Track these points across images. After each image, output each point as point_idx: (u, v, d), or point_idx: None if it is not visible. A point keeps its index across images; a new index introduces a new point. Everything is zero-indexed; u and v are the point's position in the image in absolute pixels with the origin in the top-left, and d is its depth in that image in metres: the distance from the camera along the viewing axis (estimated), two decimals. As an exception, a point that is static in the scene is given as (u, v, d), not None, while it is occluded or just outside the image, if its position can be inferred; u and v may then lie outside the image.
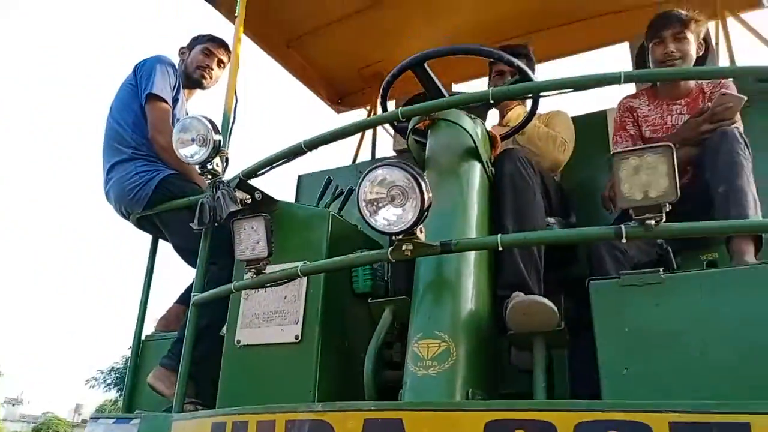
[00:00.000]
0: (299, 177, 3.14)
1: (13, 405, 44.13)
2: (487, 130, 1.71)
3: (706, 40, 2.42)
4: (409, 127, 1.80)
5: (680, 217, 1.29)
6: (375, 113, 3.27)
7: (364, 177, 1.28)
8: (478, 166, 1.59)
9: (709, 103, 1.94)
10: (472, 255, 1.49)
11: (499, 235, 1.27)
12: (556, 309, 1.32)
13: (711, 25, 2.58)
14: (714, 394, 1.13)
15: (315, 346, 1.68)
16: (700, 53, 2.13)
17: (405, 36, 2.98)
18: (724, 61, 2.57)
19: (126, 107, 2.25)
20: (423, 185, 1.22)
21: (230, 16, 2.48)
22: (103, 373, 25.24)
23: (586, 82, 1.43)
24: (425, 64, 1.74)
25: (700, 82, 2.12)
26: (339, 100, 3.35)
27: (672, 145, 1.14)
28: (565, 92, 1.46)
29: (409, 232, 1.27)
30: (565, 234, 1.62)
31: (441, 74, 1.83)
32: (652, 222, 1.16)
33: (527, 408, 1.13)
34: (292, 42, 2.91)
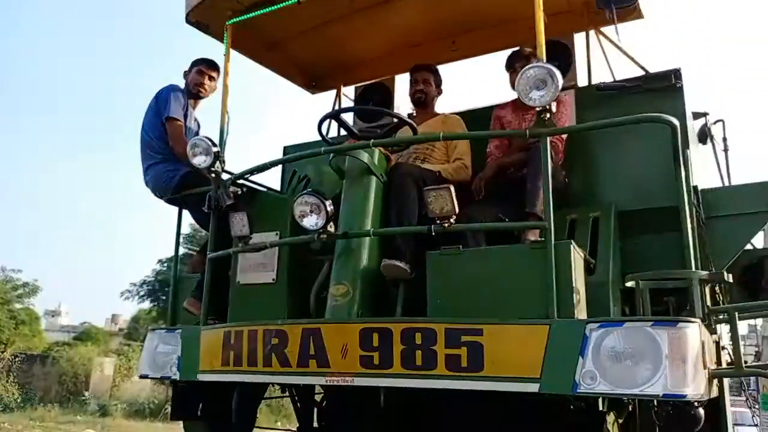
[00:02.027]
0: (284, 148, 4.10)
1: (53, 316, 46.83)
2: (385, 153, 2.66)
3: (567, 54, 3.30)
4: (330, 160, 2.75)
5: (516, 199, 2.30)
6: (340, 96, 4.18)
7: (297, 199, 2.30)
8: (373, 179, 2.55)
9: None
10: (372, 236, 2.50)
11: (371, 230, 2.30)
12: (407, 268, 2.35)
13: (580, 36, 3.41)
14: (476, 313, 2.16)
15: (285, 285, 2.74)
16: None
17: (363, 35, 3.80)
18: (582, 69, 3.38)
19: (153, 125, 3.25)
20: (326, 204, 2.23)
21: (219, 37, 3.33)
22: (135, 285, 27.09)
23: (434, 138, 2.39)
24: (340, 116, 2.72)
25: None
26: (313, 84, 4.24)
27: (450, 187, 2.12)
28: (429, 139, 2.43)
29: (324, 228, 2.29)
30: (399, 230, 2.53)
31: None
32: (446, 224, 2.16)
33: (379, 321, 2.19)
34: (272, 46, 3.76)
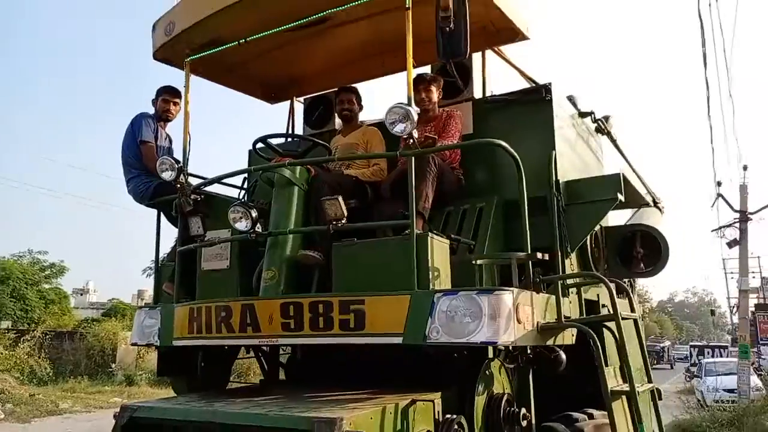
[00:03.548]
0: (249, 152, 4.84)
1: (81, 294, 48.60)
2: (307, 169, 3.40)
3: (466, 70, 3.99)
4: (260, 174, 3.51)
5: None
6: (293, 106, 4.90)
7: (230, 208, 3.07)
8: (295, 188, 3.28)
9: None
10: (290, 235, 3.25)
11: (287, 229, 3.07)
12: (318, 256, 3.11)
13: (477, 56, 4.08)
14: (365, 288, 2.91)
15: (236, 270, 3.52)
16: (440, 97, 3.72)
17: (308, 56, 4.48)
18: (479, 84, 4.05)
19: (130, 147, 4.05)
20: (251, 212, 3.00)
21: (180, 66, 4.03)
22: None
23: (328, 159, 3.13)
24: (266, 140, 3.48)
25: (442, 109, 3.74)
26: (272, 95, 4.95)
27: (339, 198, 2.86)
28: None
29: (252, 229, 3.07)
30: (305, 230, 3.28)
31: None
32: (338, 224, 2.91)
33: (293, 297, 2.97)
34: (232, 69, 4.46)
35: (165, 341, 3.57)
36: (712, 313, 44.73)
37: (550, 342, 3.07)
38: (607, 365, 3.18)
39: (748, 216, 13.62)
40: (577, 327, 3.00)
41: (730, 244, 14.02)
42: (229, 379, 4.19)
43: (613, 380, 2.94)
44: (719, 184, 14.14)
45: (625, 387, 2.99)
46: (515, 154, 3.02)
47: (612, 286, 3.15)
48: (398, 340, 2.74)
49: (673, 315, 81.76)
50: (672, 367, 36.19)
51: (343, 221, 2.95)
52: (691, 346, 34.21)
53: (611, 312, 3.28)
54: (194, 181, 3.86)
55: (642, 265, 3.96)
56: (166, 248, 4.20)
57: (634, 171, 5.17)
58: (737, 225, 13.70)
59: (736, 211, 13.74)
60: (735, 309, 14.70)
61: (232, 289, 3.48)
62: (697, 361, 22.22)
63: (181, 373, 3.86)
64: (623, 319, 3.22)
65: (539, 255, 2.92)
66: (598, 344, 2.89)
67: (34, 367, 16.30)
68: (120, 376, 17.83)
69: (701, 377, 18.39)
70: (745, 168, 14.01)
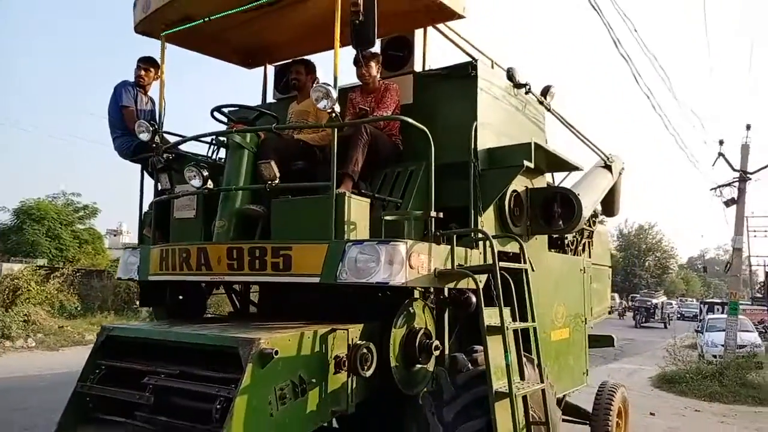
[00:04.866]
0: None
1: (114, 235, 50.46)
2: (257, 134, 3.96)
3: (409, 46, 4.46)
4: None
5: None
6: (266, 71, 5.40)
7: (186, 168, 3.67)
8: (245, 151, 3.85)
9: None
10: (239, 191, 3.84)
11: (232, 187, 3.67)
12: (260, 209, 3.71)
13: (419, 32, 4.53)
14: (296, 237, 3.52)
15: (200, 219, 4.14)
16: (379, 71, 4.21)
17: (279, 26, 4.95)
18: (419, 58, 4.50)
19: (114, 111, 4.68)
20: (202, 171, 3.61)
21: (158, 38, 4.56)
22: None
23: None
24: (221, 109, 4.06)
25: (381, 82, 4.24)
26: (249, 62, 5.47)
27: (271, 162, 3.44)
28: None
29: (204, 186, 3.68)
30: (246, 187, 3.87)
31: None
32: (272, 184, 3.50)
33: (236, 243, 3.59)
34: (210, 39, 4.96)
35: (142, 276, 4.25)
36: (704, 270, 43.85)
37: (451, 285, 3.66)
38: (506, 306, 3.70)
39: (747, 176, 13.77)
40: (467, 273, 3.56)
41: (728, 203, 14.24)
42: (204, 311, 4.89)
43: (496, 318, 3.46)
44: (721, 142, 14.27)
45: (497, 323, 3.49)
46: (422, 127, 3.56)
47: (495, 242, 3.63)
48: (316, 279, 3.36)
49: (701, 273, 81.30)
50: (666, 327, 33.25)
51: (276, 182, 3.53)
52: (701, 303, 33.27)
53: (522, 262, 3.88)
54: (173, 140, 4.48)
55: (561, 222, 4.46)
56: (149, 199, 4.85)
57: (580, 137, 5.63)
58: (736, 184, 13.89)
59: (735, 170, 13.90)
60: (727, 267, 15.00)
61: (198, 234, 4.11)
62: (704, 318, 22.54)
63: (160, 304, 4.56)
64: (510, 269, 3.75)
65: (433, 213, 3.48)
66: (479, 288, 3.45)
67: (64, 302, 17.54)
68: (144, 313, 19.02)
69: (703, 332, 18.83)
70: (748, 127, 14.08)
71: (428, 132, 3.59)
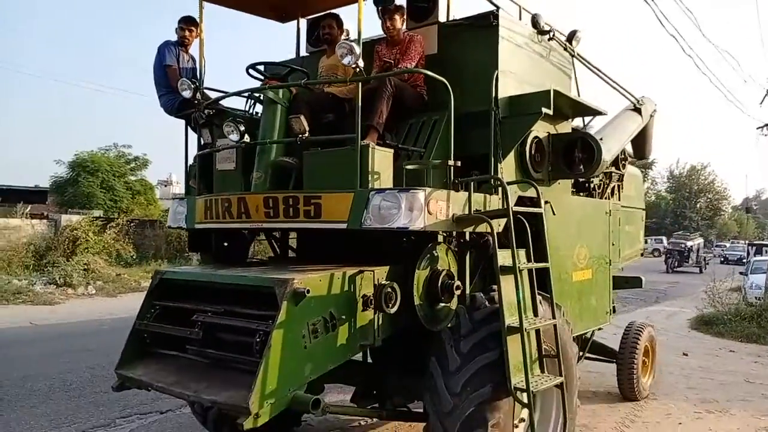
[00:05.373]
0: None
1: (165, 186, 51.99)
2: (289, 89, 4.20)
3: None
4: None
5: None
6: (299, 25, 5.58)
7: (225, 123, 3.97)
8: (279, 106, 4.09)
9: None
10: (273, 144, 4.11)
11: (267, 140, 3.95)
12: (292, 161, 3.98)
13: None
14: (325, 186, 3.79)
15: (240, 171, 4.45)
16: (404, 25, 4.36)
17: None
18: (443, 9, 4.61)
19: (158, 69, 4.95)
20: (239, 126, 3.90)
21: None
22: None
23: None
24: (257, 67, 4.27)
25: (406, 33, 4.39)
26: (283, 15, 5.66)
27: (300, 116, 3.69)
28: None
29: (241, 140, 3.97)
30: (279, 141, 4.13)
31: None
32: (303, 137, 3.77)
33: (272, 192, 3.89)
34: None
35: (190, 224, 4.63)
36: (748, 210, 41.79)
37: (470, 229, 3.90)
38: (521, 248, 3.91)
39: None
40: (482, 217, 3.78)
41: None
42: (247, 256, 5.27)
43: (510, 259, 3.68)
44: (771, 81, 13.75)
45: (510, 264, 3.68)
46: (441, 78, 3.75)
47: (514, 187, 3.90)
48: (343, 225, 3.64)
49: (756, 213, 79.04)
50: (701, 271, 31.57)
51: (306, 135, 3.79)
52: (749, 245, 31.59)
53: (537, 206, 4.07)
54: (213, 96, 4.76)
55: (581, 166, 4.61)
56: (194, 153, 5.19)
57: (608, 80, 5.68)
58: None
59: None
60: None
61: (238, 185, 4.43)
62: (750, 260, 22.10)
63: (207, 250, 4.96)
64: (527, 214, 3.94)
65: (450, 162, 3.69)
66: (494, 231, 3.67)
67: (120, 251, 18.50)
68: (195, 261, 19.90)
69: (747, 275, 18.58)
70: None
71: (447, 83, 3.77)
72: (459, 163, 3.76)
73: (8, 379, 7.20)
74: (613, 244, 5.98)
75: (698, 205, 65.87)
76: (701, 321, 12.74)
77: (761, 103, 14.32)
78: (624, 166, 6.44)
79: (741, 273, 19.78)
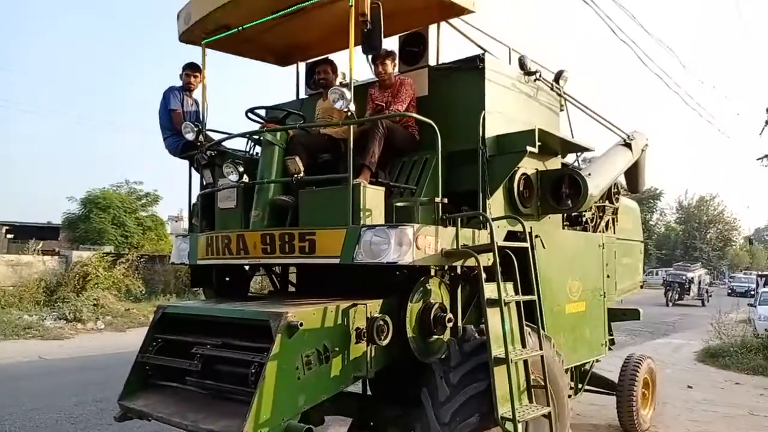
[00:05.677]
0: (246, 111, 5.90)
1: (176, 221, 52.50)
2: (286, 131, 4.42)
3: (424, 41, 4.81)
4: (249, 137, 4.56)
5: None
6: (298, 68, 5.83)
7: (224, 164, 4.17)
8: (276, 147, 4.30)
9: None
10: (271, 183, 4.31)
11: (265, 180, 4.15)
12: (289, 200, 4.17)
13: (433, 28, 4.85)
14: (320, 223, 3.97)
15: (240, 209, 4.64)
16: (395, 69, 4.59)
17: (308, 27, 5.38)
18: (433, 53, 4.84)
19: (163, 113, 5.21)
20: (238, 167, 4.10)
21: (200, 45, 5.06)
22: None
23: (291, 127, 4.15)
24: (254, 111, 4.51)
25: (397, 77, 4.61)
26: (283, 60, 5.92)
27: (296, 157, 3.89)
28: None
29: (240, 180, 4.17)
30: (274, 180, 4.35)
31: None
32: (298, 177, 3.96)
33: (269, 230, 4.07)
34: (246, 42, 5.45)
35: (192, 260, 4.81)
36: (750, 242, 40.75)
37: (458, 264, 4.04)
38: (509, 281, 4.05)
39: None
40: (469, 252, 3.92)
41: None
42: (248, 290, 5.43)
43: (498, 292, 3.81)
44: (769, 111, 13.93)
45: (496, 297, 3.80)
46: (428, 120, 3.96)
47: (500, 223, 4.09)
48: (336, 260, 3.80)
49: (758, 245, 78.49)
50: (703, 305, 30.57)
51: (301, 174, 3.99)
52: (758, 276, 30.83)
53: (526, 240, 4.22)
54: (216, 137, 4.99)
55: (569, 201, 4.76)
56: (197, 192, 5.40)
57: (596, 117, 5.87)
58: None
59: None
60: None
61: (238, 223, 4.61)
62: (759, 291, 21.91)
63: (208, 285, 5.12)
64: (510, 248, 4.09)
65: (438, 199, 3.86)
66: (480, 265, 3.81)
67: (130, 286, 18.71)
68: (202, 294, 20.05)
69: (756, 306, 18.44)
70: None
71: (434, 125, 3.97)
72: (446, 200, 3.92)
73: (16, 411, 7.33)
74: (608, 277, 6.09)
75: (708, 236, 65.50)
76: (707, 353, 12.68)
77: (761, 133, 14.43)
78: (617, 199, 6.59)
79: (750, 305, 19.64)
